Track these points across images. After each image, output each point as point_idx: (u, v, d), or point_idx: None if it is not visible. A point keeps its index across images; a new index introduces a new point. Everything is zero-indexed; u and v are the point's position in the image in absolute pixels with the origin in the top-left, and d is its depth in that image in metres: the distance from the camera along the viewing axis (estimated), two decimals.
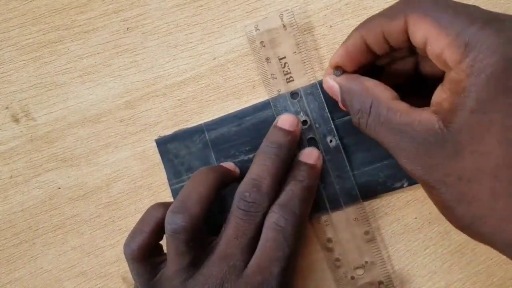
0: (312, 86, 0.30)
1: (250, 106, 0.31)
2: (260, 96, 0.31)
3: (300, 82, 0.30)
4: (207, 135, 0.30)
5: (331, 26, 0.31)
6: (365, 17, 0.30)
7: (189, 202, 0.26)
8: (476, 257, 0.30)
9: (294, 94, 0.30)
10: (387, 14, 0.23)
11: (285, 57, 0.30)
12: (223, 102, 0.31)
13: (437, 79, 0.22)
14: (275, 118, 0.29)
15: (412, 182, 0.30)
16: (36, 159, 0.32)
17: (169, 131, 0.31)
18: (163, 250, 0.28)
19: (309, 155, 0.29)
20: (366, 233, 0.30)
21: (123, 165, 0.31)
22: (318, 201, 0.30)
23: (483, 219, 0.21)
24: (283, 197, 0.27)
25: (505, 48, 0.19)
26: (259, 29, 0.30)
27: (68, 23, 0.32)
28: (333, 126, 0.30)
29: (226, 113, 0.31)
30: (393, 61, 0.27)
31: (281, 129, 0.28)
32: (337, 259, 0.30)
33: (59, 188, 0.32)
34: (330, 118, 0.30)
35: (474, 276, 0.30)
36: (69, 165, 0.32)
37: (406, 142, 0.23)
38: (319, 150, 0.29)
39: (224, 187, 0.28)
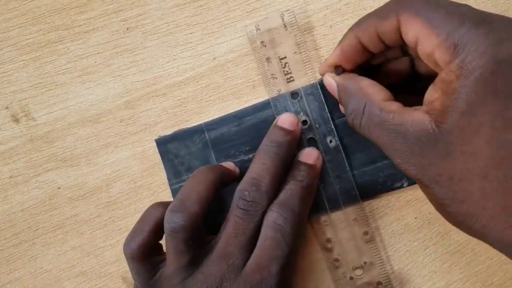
0: (313, 86, 0.30)
1: (250, 106, 0.31)
2: (260, 96, 0.31)
3: (300, 82, 0.30)
4: (207, 135, 0.30)
5: (331, 26, 0.31)
6: None
7: (188, 201, 0.26)
8: (476, 257, 0.30)
9: (294, 94, 0.30)
10: (380, 13, 0.24)
11: (285, 57, 0.30)
12: (223, 102, 0.31)
13: (432, 77, 0.22)
14: (275, 118, 0.29)
15: (412, 182, 0.30)
16: (36, 159, 0.32)
17: (169, 131, 0.31)
18: (162, 250, 0.28)
19: (309, 155, 0.29)
20: (365, 233, 0.30)
21: (123, 165, 0.31)
22: (318, 201, 0.30)
23: (475, 217, 0.21)
24: (282, 196, 0.27)
25: (493, 50, 0.19)
26: (259, 29, 0.30)
27: (68, 23, 0.32)
28: (333, 126, 0.30)
29: (226, 113, 0.31)
30: (389, 60, 0.27)
31: (281, 128, 0.28)
32: (336, 259, 0.30)
33: (59, 188, 0.32)
34: (330, 118, 0.30)
35: (474, 276, 0.30)
36: (69, 165, 0.32)
37: (399, 142, 0.23)
38: (319, 150, 0.29)
39: (223, 186, 0.28)
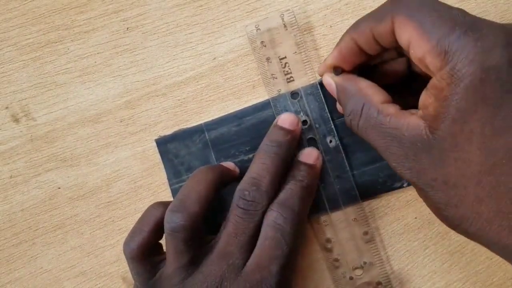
0: (313, 86, 0.30)
1: (250, 106, 0.31)
2: (260, 96, 0.31)
3: (300, 82, 0.30)
4: (207, 135, 0.31)
5: (331, 26, 0.31)
6: None
7: (188, 201, 0.26)
8: (476, 257, 0.30)
9: (294, 94, 0.30)
10: (375, 15, 0.24)
11: (285, 57, 0.30)
12: (223, 102, 0.31)
13: (428, 78, 0.22)
14: (275, 118, 0.29)
15: None
16: (36, 159, 0.32)
17: (169, 131, 0.31)
18: (162, 249, 0.28)
19: (309, 155, 0.29)
20: (365, 233, 0.30)
21: (123, 165, 0.31)
22: (318, 201, 0.30)
23: (470, 220, 0.21)
24: (282, 196, 0.27)
25: (482, 58, 0.20)
26: (259, 29, 0.30)
27: (68, 23, 0.32)
28: (333, 126, 0.30)
29: (226, 113, 0.31)
30: (385, 61, 0.27)
31: (281, 128, 0.28)
32: (336, 260, 0.30)
33: (59, 188, 0.32)
34: (330, 118, 0.30)
35: (474, 276, 0.30)
36: (69, 165, 0.32)
37: (395, 146, 0.23)
38: (318, 150, 0.29)
39: (223, 186, 0.28)
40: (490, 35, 0.20)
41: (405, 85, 0.27)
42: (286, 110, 0.30)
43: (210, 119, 0.31)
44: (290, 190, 0.27)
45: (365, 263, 0.30)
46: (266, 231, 0.26)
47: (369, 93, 0.25)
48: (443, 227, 0.30)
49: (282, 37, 0.30)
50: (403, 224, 0.31)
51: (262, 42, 0.30)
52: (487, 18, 0.29)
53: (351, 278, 0.30)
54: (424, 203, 0.24)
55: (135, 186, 0.31)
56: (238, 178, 0.29)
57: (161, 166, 0.31)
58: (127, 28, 0.31)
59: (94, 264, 0.32)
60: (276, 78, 0.30)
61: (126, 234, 0.27)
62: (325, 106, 0.30)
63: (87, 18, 0.31)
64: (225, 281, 0.25)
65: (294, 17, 0.30)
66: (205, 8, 0.31)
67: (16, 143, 0.32)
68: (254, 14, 0.31)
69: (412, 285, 0.30)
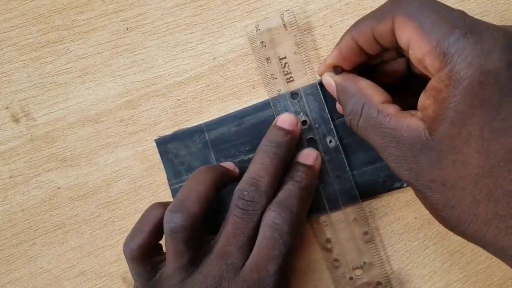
0: (312, 86, 0.30)
1: (250, 106, 0.31)
2: (260, 96, 0.31)
3: (300, 82, 0.30)
4: (207, 135, 0.31)
5: (331, 26, 0.31)
6: None
7: (188, 201, 0.26)
8: (476, 257, 0.30)
9: (294, 94, 0.30)
10: (376, 15, 0.24)
11: (285, 57, 0.30)
12: (223, 102, 0.31)
13: (428, 79, 0.22)
14: (275, 118, 0.29)
15: None
16: (36, 159, 0.32)
17: (169, 131, 0.31)
18: (162, 250, 0.28)
19: (308, 156, 0.29)
20: (365, 233, 0.30)
21: (123, 165, 0.31)
22: (317, 201, 0.30)
23: (467, 222, 0.22)
24: (281, 196, 0.27)
25: (481, 61, 0.20)
26: (259, 29, 0.30)
27: (68, 23, 0.32)
28: (332, 126, 0.30)
29: (226, 113, 0.31)
30: (385, 61, 0.27)
31: (280, 128, 0.28)
32: (336, 260, 0.30)
33: (59, 188, 0.32)
34: (330, 118, 0.30)
35: (474, 276, 0.30)
36: (69, 165, 0.32)
37: (394, 146, 0.23)
38: (318, 150, 0.29)
39: (223, 186, 0.28)
40: (489, 38, 0.20)
41: (405, 86, 0.27)
42: (286, 110, 0.30)
43: (210, 119, 0.31)
44: (289, 191, 0.27)
45: (365, 263, 0.30)
46: (264, 231, 0.26)
47: (369, 93, 0.25)
48: (443, 227, 0.30)
49: (282, 37, 0.30)
50: (403, 224, 0.31)
51: (262, 42, 0.30)
52: (487, 18, 0.30)
53: (351, 278, 0.30)
54: None
55: (135, 186, 0.31)
56: (238, 178, 0.29)
57: (161, 166, 0.31)
58: (127, 28, 0.31)
59: (94, 264, 0.32)
60: (276, 78, 0.30)
61: (126, 234, 0.27)
62: (325, 106, 0.30)
63: (87, 18, 0.31)
64: (224, 281, 0.25)
65: (294, 17, 0.30)
66: (205, 8, 0.31)
67: (16, 143, 0.32)
68: (254, 14, 0.31)
69: (412, 285, 0.30)
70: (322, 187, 0.30)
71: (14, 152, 0.32)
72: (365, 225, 0.30)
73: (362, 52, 0.25)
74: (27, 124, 0.32)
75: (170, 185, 0.31)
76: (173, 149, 0.31)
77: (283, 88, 0.30)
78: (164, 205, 0.27)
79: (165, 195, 0.31)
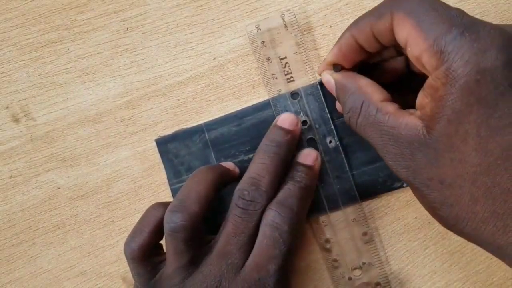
0: (313, 86, 0.30)
1: (250, 106, 0.31)
2: (260, 96, 0.31)
3: (300, 82, 0.30)
4: (207, 135, 0.31)
5: (331, 26, 0.31)
6: None
7: (188, 201, 0.26)
8: (476, 257, 0.30)
9: (294, 94, 0.30)
10: (375, 12, 0.24)
11: (286, 57, 0.30)
12: (223, 102, 0.31)
13: (427, 77, 0.22)
14: (275, 118, 0.29)
15: None
16: (36, 159, 0.32)
17: (169, 131, 0.31)
18: (163, 250, 0.28)
19: (307, 156, 0.29)
20: (364, 234, 0.30)
21: (123, 165, 0.31)
22: (317, 201, 0.30)
23: (465, 220, 0.22)
24: (281, 195, 0.27)
25: (477, 59, 0.20)
26: (260, 29, 0.30)
27: (68, 23, 0.32)
28: (332, 126, 0.30)
29: (226, 113, 0.31)
30: (385, 59, 0.27)
31: (280, 128, 0.28)
32: (335, 260, 0.30)
33: (59, 188, 0.32)
34: (330, 118, 0.30)
35: (474, 276, 0.30)
36: (69, 165, 0.32)
37: (392, 144, 0.23)
38: (318, 150, 0.29)
39: (223, 186, 0.28)
40: (487, 37, 0.20)
41: (404, 84, 0.27)
42: (286, 110, 0.30)
43: (210, 119, 0.31)
44: (289, 190, 0.27)
45: (364, 263, 0.30)
46: (264, 230, 0.26)
47: (369, 91, 0.25)
48: (443, 227, 0.30)
49: (283, 37, 0.30)
50: (403, 224, 0.31)
51: (262, 42, 0.30)
52: (487, 18, 0.30)
53: (350, 278, 0.30)
54: None
55: (135, 186, 0.31)
56: (238, 178, 0.29)
57: (161, 166, 0.31)
58: (127, 28, 0.31)
59: (94, 264, 0.32)
60: (276, 78, 0.30)
61: (126, 234, 0.27)
62: (325, 106, 0.30)
63: (87, 18, 0.31)
64: (224, 281, 0.25)
65: (295, 17, 0.30)
66: (205, 8, 0.31)
67: (16, 143, 0.32)
68: (254, 14, 0.31)
69: (412, 285, 0.30)
70: (321, 187, 0.30)
71: (14, 152, 0.32)
72: (364, 225, 0.30)
73: (362, 50, 0.25)
74: (27, 124, 0.32)
75: (170, 185, 0.31)
76: (173, 149, 0.31)
77: (284, 88, 0.30)
78: (165, 205, 0.27)
79: (165, 195, 0.31)
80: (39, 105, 0.32)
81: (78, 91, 0.32)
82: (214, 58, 0.31)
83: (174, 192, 0.31)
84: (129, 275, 0.31)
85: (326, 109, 0.30)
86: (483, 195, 0.21)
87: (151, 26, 0.31)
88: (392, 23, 0.23)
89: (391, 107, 0.24)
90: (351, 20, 0.30)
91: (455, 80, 0.20)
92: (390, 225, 0.31)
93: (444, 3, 0.22)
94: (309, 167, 0.28)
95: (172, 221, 0.25)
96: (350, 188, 0.30)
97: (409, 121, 0.23)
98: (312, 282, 0.31)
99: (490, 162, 0.20)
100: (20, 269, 0.32)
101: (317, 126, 0.30)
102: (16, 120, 0.32)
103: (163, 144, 0.31)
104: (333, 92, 0.27)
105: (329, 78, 0.27)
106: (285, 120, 0.29)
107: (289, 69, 0.30)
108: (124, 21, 0.31)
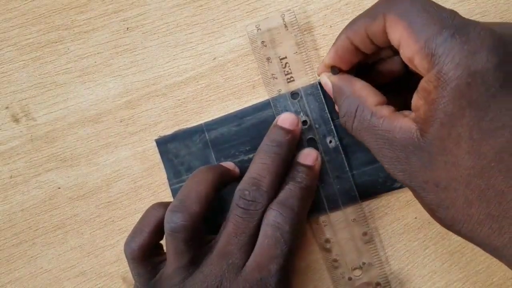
0: (313, 86, 0.30)
1: (250, 106, 0.31)
2: (260, 96, 0.31)
3: (300, 82, 0.30)
4: (207, 135, 0.31)
5: (331, 26, 0.31)
6: None
7: (188, 201, 0.26)
8: (476, 257, 0.30)
9: (294, 94, 0.30)
10: (369, 14, 0.24)
11: (286, 57, 0.30)
12: (223, 102, 0.31)
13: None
14: (275, 118, 0.29)
15: None
16: (36, 159, 0.32)
17: (169, 131, 0.31)
18: (163, 250, 0.28)
19: (307, 156, 0.29)
20: (364, 234, 0.30)
21: (123, 165, 0.31)
22: (317, 201, 0.30)
23: (461, 223, 0.22)
24: (282, 195, 0.27)
25: (468, 62, 0.20)
26: (260, 29, 0.30)
27: (68, 23, 0.32)
28: (333, 126, 0.30)
29: (226, 113, 0.31)
30: (383, 59, 0.27)
31: (281, 127, 0.28)
32: (335, 260, 0.30)
33: (59, 188, 0.32)
34: (330, 118, 0.30)
35: (474, 276, 0.30)
36: (69, 165, 0.32)
37: (387, 148, 0.23)
38: (318, 150, 0.29)
39: (223, 186, 0.28)
40: (477, 38, 0.20)
41: (402, 84, 0.27)
42: (286, 110, 0.30)
43: (210, 119, 0.31)
44: (290, 190, 0.27)
45: (364, 263, 0.30)
46: (265, 230, 0.26)
47: (364, 94, 0.25)
48: (443, 228, 0.30)
49: (283, 37, 0.30)
50: (403, 224, 0.31)
51: (262, 42, 0.30)
52: (487, 18, 0.29)
53: (350, 278, 0.30)
54: None
55: (135, 186, 0.31)
56: (238, 178, 0.29)
57: (161, 166, 0.31)
58: (127, 28, 0.31)
59: (94, 264, 0.32)
60: (276, 78, 0.30)
61: (126, 234, 0.27)
62: (325, 106, 0.30)
63: (87, 18, 0.31)
64: (225, 281, 0.25)
65: (295, 17, 0.30)
66: (205, 8, 0.31)
67: (16, 143, 0.32)
68: (254, 14, 0.31)
69: (412, 285, 0.30)
70: (321, 187, 0.30)
71: (14, 152, 0.32)
72: (364, 225, 0.30)
73: (358, 51, 0.25)
74: (27, 124, 0.32)
75: (170, 185, 0.31)
76: (173, 149, 0.31)
77: (284, 88, 0.30)
78: (165, 205, 0.27)
79: (165, 195, 0.31)
80: (39, 105, 0.32)
81: (78, 91, 0.32)
82: (214, 58, 0.31)
83: (174, 192, 0.31)
84: (129, 275, 0.31)
85: (326, 109, 0.30)
86: (478, 198, 0.21)
87: (151, 26, 0.31)
88: (385, 25, 0.23)
89: (385, 111, 0.24)
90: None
91: (446, 83, 0.20)
92: (390, 225, 0.31)
93: (436, 4, 0.22)
94: (309, 167, 0.28)
95: (172, 221, 0.25)
96: (350, 188, 0.30)
97: (403, 124, 0.23)
98: (312, 282, 0.31)
99: (484, 164, 0.20)
100: (20, 269, 0.32)
101: (317, 126, 0.30)
102: (16, 120, 0.32)
103: (163, 144, 0.31)
104: (331, 95, 0.27)
105: (327, 81, 0.27)
106: (286, 120, 0.29)
107: (289, 69, 0.30)
108: (124, 21, 0.31)
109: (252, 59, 0.31)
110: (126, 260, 0.27)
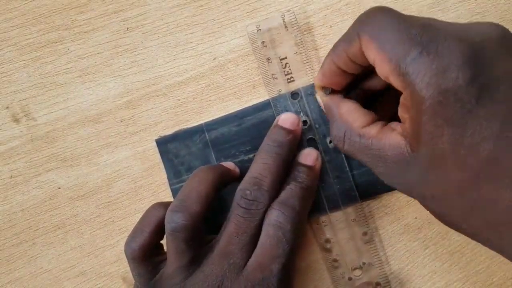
0: (313, 86, 0.30)
1: (250, 106, 0.31)
2: (260, 96, 0.31)
3: (300, 82, 0.30)
4: (207, 135, 0.31)
5: (331, 26, 0.31)
6: None
7: (189, 201, 0.26)
8: (476, 257, 0.30)
9: (294, 94, 0.30)
10: (346, 37, 0.24)
11: (286, 57, 0.30)
12: (223, 102, 0.31)
13: None
14: (276, 118, 0.29)
15: None
16: (36, 159, 0.32)
17: (169, 131, 0.31)
18: (163, 250, 0.28)
19: (308, 156, 0.29)
20: (365, 234, 0.30)
21: (123, 165, 0.31)
22: (317, 201, 0.30)
23: (462, 228, 0.22)
24: (283, 195, 0.27)
25: (438, 80, 0.19)
26: (260, 29, 0.30)
27: (68, 23, 0.32)
28: None
29: (226, 113, 0.31)
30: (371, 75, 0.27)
31: (282, 128, 0.28)
32: (335, 260, 0.30)
33: (59, 188, 0.32)
34: None
35: (474, 276, 0.30)
36: (69, 165, 0.32)
37: (381, 165, 0.23)
38: (318, 150, 0.29)
39: (223, 186, 0.28)
40: (446, 55, 0.19)
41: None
42: (287, 110, 0.30)
43: (211, 119, 0.31)
44: (291, 190, 0.27)
45: (364, 263, 0.30)
46: (267, 230, 0.26)
47: (350, 119, 0.25)
48: (443, 227, 0.30)
49: (283, 37, 0.30)
50: (403, 224, 0.31)
51: (262, 42, 0.30)
52: (487, 18, 0.30)
53: (350, 278, 0.30)
54: None
55: (135, 186, 0.31)
56: (238, 178, 0.29)
57: (161, 166, 0.31)
58: (127, 28, 0.31)
59: (94, 264, 0.32)
60: (277, 78, 0.30)
61: (126, 234, 0.27)
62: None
63: (87, 18, 0.31)
64: (226, 281, 0.25)
65: (295, 17, 0.30)
66: (206, 8, 0.31)
67: (16, 143, 0.32)
68: (255, 14, 0.31)
69: (412, 285, 0.30)
70: (322, 187, 0.30)
71: (14, 152, 0.32)
72: (364, 225, 0.30)
73: (345, 73, 0.25)
74: (27, 124, 0.32)
75: (171, 185, 0.31)
76: (174, 149, 0.31)
77: (284, 88, 0.30)
78: (165, 205, 0.27)
79: (165, 195, 0.31)
80: (40, 105, 0.32)
81: (79, 91, 0.32)
82: (215, 58, 0.31)
83: (174, 192, 0.31)
84: (129, 275, 0.31)
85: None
86: (473, 208, 0.21)
87: (151, 26, 0.31)
88: (361, 46, 0.22)
89: (373, 130, 0.24)
90: (351, 21, 0.30)
91: (420, 103, 0.20)
92: (390, 225, 0.31)
93: (407, 19, 0.21)
94: (310, 168, 0.28)
95: (173, 221, 0.25)
96: (350, 188, 0.30)
97: (393, 140, 0.23)
98: (312, 282, 0.31)
99: (472, 176, 0.20)
100: (20, 269, 0.32)
101: (317, 126, 0.30)
102: (16, 120, 0.32)
103: (163, 144, 0.31)
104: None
105: (320, 100, 0.27)
106: (287, 120, 0.29)
107: (289, 69, 0.30)
108: (124, 21, 0.31)
109: (252, 59, 0.31)
110: (126, 260, 0.27)
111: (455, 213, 0.22)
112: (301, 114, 0.30)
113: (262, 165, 0.27)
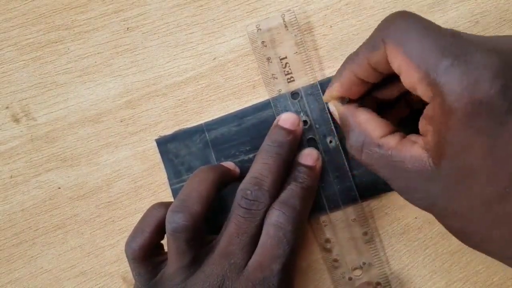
0: (313, 86, 0.30)
1: (250, 106, 0.31)
2: (260, 96, 0.31)
3: (301, 82, 0.30)
4: (207, 135, 0.31)
5: (331, 26, 0.31)
6: (365, 17, 0.30)
7: (189, 201, 0.26)
8: (476, 257, 0.30)
9: (294, 94, 0.30)
10: (369, 44, 0.23)
11: (286, 57, 0.30)
12: (223, 102, 0.31)
13: None
14: (276, 118, 0.29)
15: None
16: (36, 159, 0.32)
17: (169, 131, 0.31)
18: (164, 250, 0.28)
19: (308, 156, 0.29)
20: (365, 233, 0.30)
21: (123, 165, 0.31)
22: (317, 201, 0.30)
23: (485, 245, 0.22)
24: (283, 195, 0.27)
25: (470, 91, 0.19)
26: (260, 29, 0.30)
27: (68, 23, 0.32)
28: (333, 126, 0.30)
29: (226, 113, 0.31)
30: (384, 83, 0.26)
31: (282, 128, 0.28)
32: (335, 260, 0.30)
33: (59, 188, 0.32)
34: (330, 118, 0.30)
35: (474, 276, 0.30)
36: (69, 165, 0.32)
37: (400, 178, 0.23)
38: (318, 150, 0.29)
39: (224, 186, 0.28)
40: (478, 65, 0.19)
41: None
42: (287, 110, 0.30)
43: (211, 119, 0.31)
44: (291, 190, 0.27)
45: (364, 263, 0.30)
46: (268, 230, 0.26)
47: (369, 128, 0.24)
48: (443, 227, 0.30)
49: (283, 37, 0.30)
50: (403, 224, 0.31)
51: (263, 42, 0.30)
52: (487, 18, 0.30)
53: (350, 278, 0.30)
54: None
55: (136, 186, 0.31)
56: (238, 178, 0.29)
57: (162, 166, 0.31)
58: (127, 28, 0.31)
59: (94, 264, 0.32)
60: (277, 78, 0.30)
61: (126, 234, 0.27)
62: (325, 106, 0.30)
63: (87, 18, 0.31)
64: (227, 281, 0.25)
65: (295, 17, 0.30)
66: (206, 8, 0.31)
67: (16, 143, 0.32)
68: (255, 14, 0.31)
69: (412, 285, 0.30)
70: (322, 187, 0.30)
71: (14, 152, 0.32)
72: (364, 225, 0.30)
73: (364, 82, 0.25)
74: (27, 124, 0.32)
75: (171, 185, 0.31)
76: (174, 149, 0.31)
77: (284, 88, 0.30)
78: (165, 205, 0.27)
79: (166, 195, 0.31)
80: (40, 105, 0.32)
81: (79, 91, 0.32)
82: (214, 58, 0.31)
83: (174, 192, 0.31)
84: (130, 275, 0.31)
85: (327, 109, 0.30)
86: (498, 224, 0.20)
87: (151, 26, 0.31)
88: (386, 52, 0.22)
89: (392, 141, 0.23)
90: (351, 20, 0.30)
91: (451, 113, 0.19)
92: (390, 225, 0.31)
93: (434, 28, 0.21)
94: (310, 168, 0.28)
95: (174, 221, 0.25)
96: (351, 188, 0.30)
97: (413, 152, 0.22)
98: (313, 282, 0.31)
99: (499, 191, 0.20)
100: (20, 269, 0.32)
101: (317, 126, 0.30)
102: (16, 120, 0.32)
103: (163, 144, 0.31)
104: (339, 123, 0.27)
105: (334, 110, 0.27)
106: (287, 120, 0.29)
107: (289, 69, 0.30)
108: (124, 21, 0.31)
109: (252, 59, 0.31)
110: (126, 260, 0.27)
111: (479, 230, 0.21)
112: (301, 114, 0.30)
113: (262, 165, 0.27)
